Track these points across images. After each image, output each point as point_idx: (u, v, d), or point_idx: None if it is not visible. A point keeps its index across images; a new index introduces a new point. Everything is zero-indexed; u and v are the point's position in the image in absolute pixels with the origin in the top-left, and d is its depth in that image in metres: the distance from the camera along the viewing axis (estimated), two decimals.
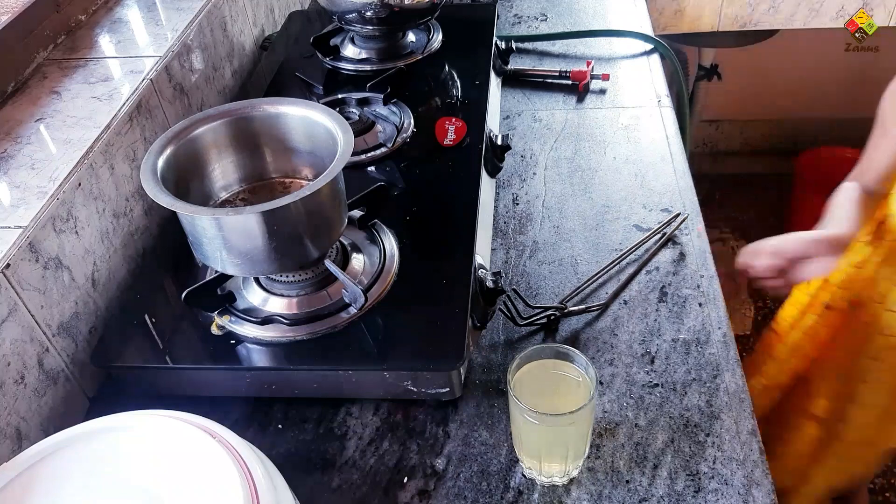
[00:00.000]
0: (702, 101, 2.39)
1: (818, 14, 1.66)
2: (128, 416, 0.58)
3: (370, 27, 1.10)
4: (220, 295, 0.76)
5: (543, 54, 1.30)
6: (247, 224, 0.67)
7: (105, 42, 0.98)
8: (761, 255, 0.92)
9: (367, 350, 0.72)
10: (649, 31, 1.32)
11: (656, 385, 0.75)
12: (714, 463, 0.68)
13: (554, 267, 0.89)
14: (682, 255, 0.90)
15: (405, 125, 0.98)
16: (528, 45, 1.32)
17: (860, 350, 0.98)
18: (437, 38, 1.16)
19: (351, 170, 0.90)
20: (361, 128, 0.95)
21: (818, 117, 2.41)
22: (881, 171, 0.93)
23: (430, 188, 0.90)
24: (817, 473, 1.15)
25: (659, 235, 0.92)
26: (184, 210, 0.66)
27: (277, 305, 0.76)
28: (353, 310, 0.74)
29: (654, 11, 1.75)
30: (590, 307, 0.84)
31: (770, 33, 1.91)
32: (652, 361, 0.77)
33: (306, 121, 0.77)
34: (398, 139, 0.96)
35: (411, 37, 1.17)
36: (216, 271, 0.76)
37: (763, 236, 0.96)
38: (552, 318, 0.82)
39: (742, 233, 2.31)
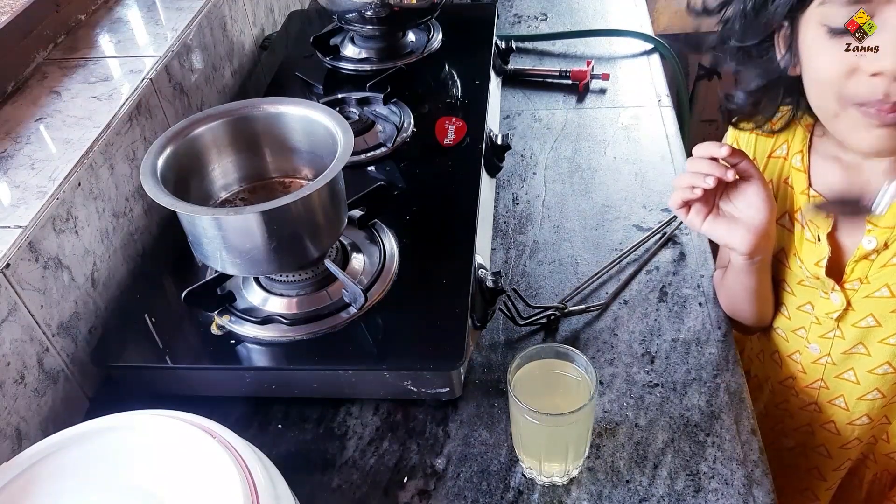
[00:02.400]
0: (702, 101, 2.38)
1: None
2: (128, 416, 0.58)
3: (370, 27, 1.10)
4: (220, 295, 0.76)
5: (543, 54, 1.30)
6: (247, 224, 0.67)
7: (105, 42, 0.98)
8: None
9: (367, 350, 0.72)
10: (649, 31, 1.32)
11: (656, 385, 0.75)
12: (714, 463, 0.68)
13: (554, 267, 0.89)
14: (682, 255, 0.90)
15: (405, 125, 0.98)
16: (528, 45, 1.32)
17: None
18: (437, 38, 1.16)
19: (351, 170, 0.90)
20: (361, 128, 0.95)
21: None
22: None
23: (430, 188, 0.90)
24: None
25: (659, 235, 0.92)
26: (184, 210, 0.66)
27: (277, 305, 0.76)
28: (353, 310, 0.74)
29: (654, 11, 1.74)
30: (590, 307, 0.84)
31: None
32: (652, 361, 0.77)
33: (306, 120, 0.77)
34: (398, 139, 0.96)
35: (411, 36, 1.17)
36: (216, 271, 0.75)
37: None
38: (552, 317, 0.82)
39: None
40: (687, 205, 0.72)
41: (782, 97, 0.72)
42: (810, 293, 0.79)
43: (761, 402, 0.93)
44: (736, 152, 0.69)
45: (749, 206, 0.70)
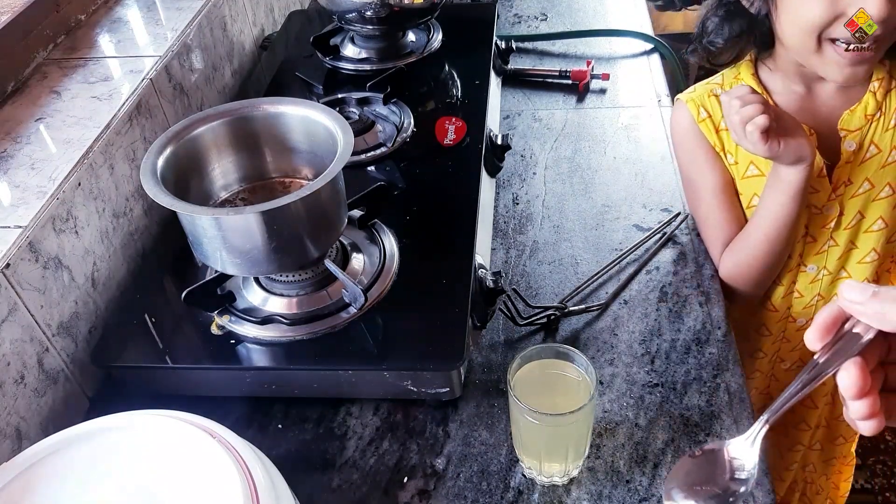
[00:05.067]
0: None
1: None
2: (128, 416, 0.58)
3: (370, 27, 1.10)
4: (219, 295, 0.76)
5: (543, 54, 1.30)
6: (247, 224, 0.67)
7: (105, 42, 0.98)
8: None
9: (367, 350, 0.72)
10: (649, 31, 1.32)
11: (656, 385, 0.75)
12: None
13: (554, 267, 0.89)
14: (682, 255, 0.90)
15: (405, 125, 0.98)
16: (528, 45, 1.32)
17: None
18: (437, 38, 1.16)
19: (351, 170, 0.90)
20: (361, 127, 0.95)
21: None
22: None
23: (430, 188, 0.90)
24: None
25: (659, 235, 0.92)
26: (184, 210, 0.66)
27: (277, 305, 0.76)
28: (352, 310, 0.74)
29: (654, 11, 1.74)
30: (590, 307, 0.84)
31: None
32: (652, 361, 0.77)
33: (306, 120, 0.77)
34: (398, 139, 0.96)
35: (411, 36, 1.17)
36: (216, 271, 0.75)
37: None
38: (552, 317, 0.82)
39: None
40: (765, 134, 0.76)
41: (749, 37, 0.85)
42: (805, 215, 0.87)
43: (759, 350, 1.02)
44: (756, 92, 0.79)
45: (792, 122, 0.79)
